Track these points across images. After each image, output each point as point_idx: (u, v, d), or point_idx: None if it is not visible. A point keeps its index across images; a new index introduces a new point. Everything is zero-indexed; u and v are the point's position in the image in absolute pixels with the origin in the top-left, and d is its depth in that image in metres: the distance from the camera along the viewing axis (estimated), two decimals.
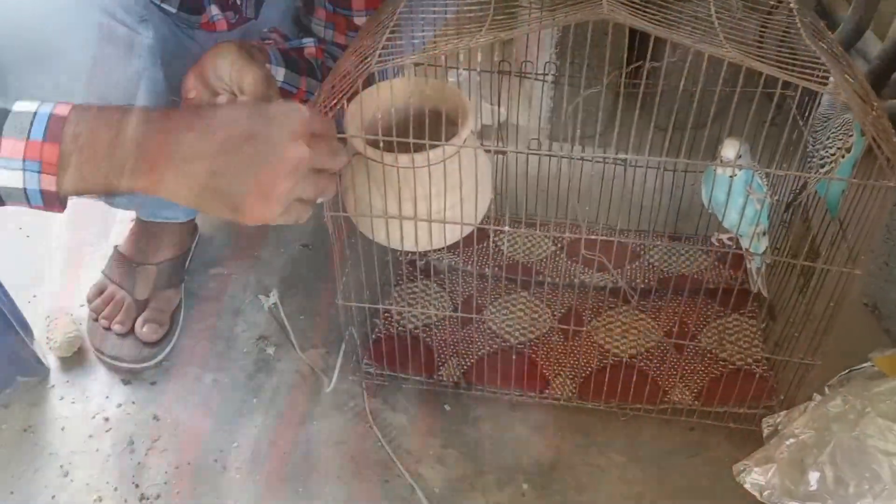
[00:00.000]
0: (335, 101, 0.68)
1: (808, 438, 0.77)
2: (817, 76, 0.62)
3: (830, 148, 0.79)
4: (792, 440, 0.78)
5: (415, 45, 0.70)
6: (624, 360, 0.92)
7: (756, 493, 0.80)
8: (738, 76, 0.66)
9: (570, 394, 0.89)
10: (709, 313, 0.98)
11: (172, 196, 0.59)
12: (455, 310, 0.99)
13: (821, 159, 0.80)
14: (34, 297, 1.05)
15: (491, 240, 1.07)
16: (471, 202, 0.76)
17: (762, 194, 0.80)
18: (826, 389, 0.84)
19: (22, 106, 0.56)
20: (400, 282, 1.03)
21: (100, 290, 0.99)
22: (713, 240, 0.89)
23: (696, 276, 1.02)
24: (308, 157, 0.60)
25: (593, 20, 0.64)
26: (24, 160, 0.55)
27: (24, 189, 0.56)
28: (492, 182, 0.81)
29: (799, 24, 0.72)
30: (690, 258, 1.05)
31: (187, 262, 1.06)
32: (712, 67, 0.67)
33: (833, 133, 0.79)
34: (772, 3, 0.82)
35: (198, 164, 0.58)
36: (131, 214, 1.05)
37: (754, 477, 0.79)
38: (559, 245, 1.07)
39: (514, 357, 0.91)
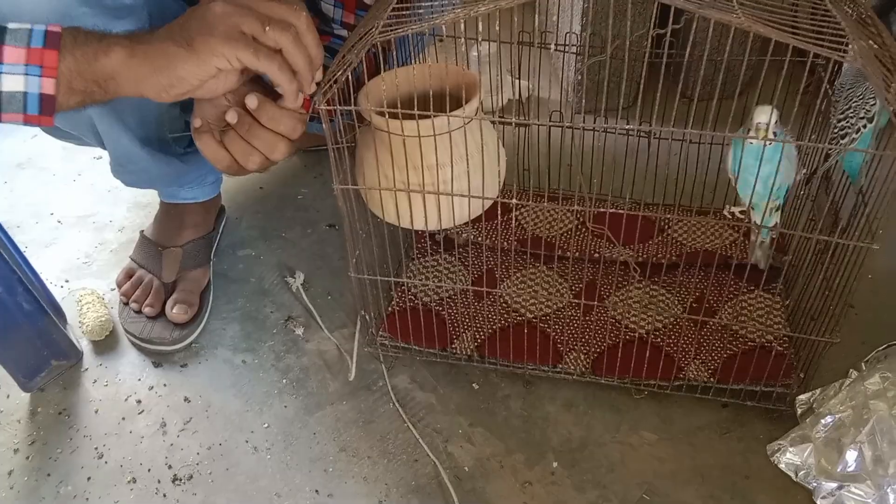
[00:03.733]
0: (341, 72, 0.68)
1: (845, 417, 0.75)
2: (837, 43, 0.59)
3: (852, 118, 0.76)
4: (828, 419, 0.76)
5: (420, 17, 0.69)
6: (640, 335, 0.91)
7: (791, 474, 0.78)
8: (764, 45, 0.64)
9: (583, 368, 0.89)
10: (732, 289, 0.96)
11: (152, 72, 0.63)
12: (471, 284, 0.98)
13: (841, 130, 0.77)
14: (66, 281, 1.07)
15: (511, 214, 1.06)
16: (478, 175, 0.75)
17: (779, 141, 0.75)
18: (863, 366, 0.82)
19: (16, 24, 0.60)
20: (418, 256, 1.03)
21: (128, 275, 1.00)
22: (725, 212, 0.86)
23: (720, 252, 1.00)
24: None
25: None
26: (26, 65, 0.60)
27: (25, 93, 0.61)
28: (500, 158, 0.80)
29: None
30: (715, 233, 1.03)
31: (214, 244, 1.07)
32: (727, 36, 0.64)
33: (855, 103, 0.76)
34: None
35: (162, 35, 0.63)
36: (156, 199, 1.05)
37: (789, 457, 0.78)
38: (580, 220, 1.06)
39: (527, 331, 0.90)
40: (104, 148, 0.90)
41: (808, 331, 0.81)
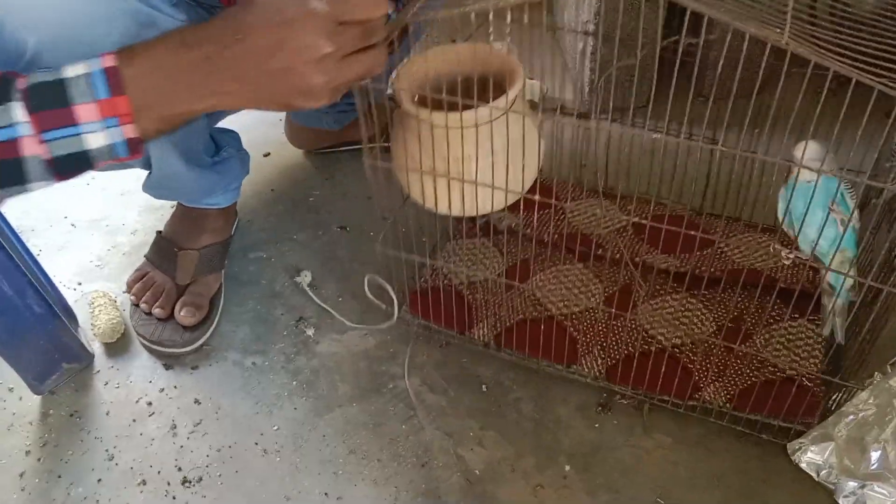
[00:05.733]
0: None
1: (869, 415, 0.73)
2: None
3: None
4: (851, 417, 0.74)
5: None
6: (666, 348, 0.87)
7: (812, 473, 0.77)
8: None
9: (597, 373, 0.87)
10: (774, 315, 0.90)
11: (236, 105, 0.63)
12: (506, 272, 0.97)
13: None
14: (79, 284, 1.07)
15: (554, 207, 1.04)
16: (506, 168, 0.74)
17: (846, 214, 0.67)
18: (888, 368, 0.79)
19: (72, 71, 0.59)
20: (458, 237, 1.02)
21: (141, 275, 1.00)
22: (783, 255, 0.76)
23: (770, 274, 0.92)
24: (332, 51, 0.60)
25: None
26: (102, 120, 0.59)
27: (112, 145, 0.60)
28: (537, 150, 0.78)
29: None
30: (769, 252, 0.96)
31: (228, 249, 1.07)
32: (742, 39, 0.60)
33: None
34: None
35: (242, 82, 0.61)
36: (167, 203, 1.05)
37: (810, 456, 0.76)
38: (629, 221, 1.02)
39: (549, 327, 0.89)
40: (146, 169, 0.91)
41: (841, 371, 0.75)
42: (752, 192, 0.93)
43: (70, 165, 0.60)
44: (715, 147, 0.68)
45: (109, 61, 0.59)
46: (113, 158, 0.61)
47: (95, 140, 0.59)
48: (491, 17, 0.73)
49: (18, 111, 0.57)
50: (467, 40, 0.77)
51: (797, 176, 0.68)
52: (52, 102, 0.58)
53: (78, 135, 0.59)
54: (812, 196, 0.67)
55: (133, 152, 0.61)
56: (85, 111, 0.58)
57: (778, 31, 0.56)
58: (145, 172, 0.96)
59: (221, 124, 1.04)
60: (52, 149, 0.59)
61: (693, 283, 0.94)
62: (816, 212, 0.68)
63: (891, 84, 0.54)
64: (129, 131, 0.60)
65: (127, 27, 0.70)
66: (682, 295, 0.94)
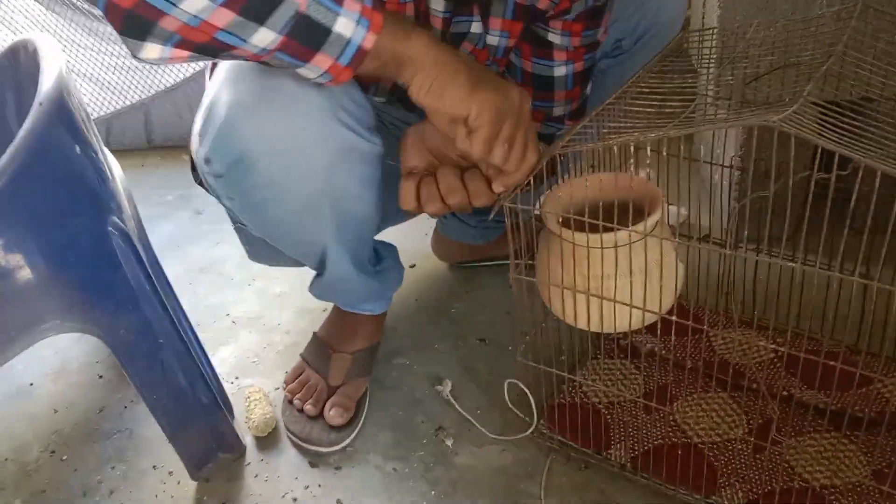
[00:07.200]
0: (526, 179, 0.79)
1: None
2: None
3: None
4: None
5: (595, 136, 0.75)
6: (813, 488, 0.83)
7: None
8: None
9: None
10: None
11: (427, 90, 0.72)
12: (646, 394, 0.97)
13: None
14: (236, 378, 1.14)
15: (703, 334, 1.04)
16: (644, 288, 0.77)
17: None
18: None
19: None
20: (601, 355, 1.04)
21: (297, 373, 1.06)
22: None
23: None
24: (518, 105, 0.75)
25: (758, 126, 0.64)
26: (360, 15, 0.67)
27: (349, 40, 0.67)
28: (677, 274, 0.81)
29: None
30: None
31: (376, 354, 1.12)
32: None
33: None
34: None
35: (451, 67, 0.72)
36: (320, 305, 1.12)
37: None
38: (778, 353, 1.01)
39: (689, 454, 0.87)
40: (318, 271, 0.98)
41: None
42: None
43: (305, 33, 0.65)
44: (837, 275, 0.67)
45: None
46: (338, 57, 0.68)
47: (343, 26, 0.66)
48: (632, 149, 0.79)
49: None
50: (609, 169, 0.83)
51: None
52: None
53: (336, 13, 0.65)
54: None
55: (355, 63, 0.68)
56: (350, 3, 0.66)
57: None
58: (304, 278, 1.04)
59: (381, 236, 1.11)
60: (310, 6, 0.64)
61: (846, 423, 0.89)
62: None
63: None
64: (370, 40, 0.68)
65: (332, 151, 0.79)
66: (834, 434, 0.90)
